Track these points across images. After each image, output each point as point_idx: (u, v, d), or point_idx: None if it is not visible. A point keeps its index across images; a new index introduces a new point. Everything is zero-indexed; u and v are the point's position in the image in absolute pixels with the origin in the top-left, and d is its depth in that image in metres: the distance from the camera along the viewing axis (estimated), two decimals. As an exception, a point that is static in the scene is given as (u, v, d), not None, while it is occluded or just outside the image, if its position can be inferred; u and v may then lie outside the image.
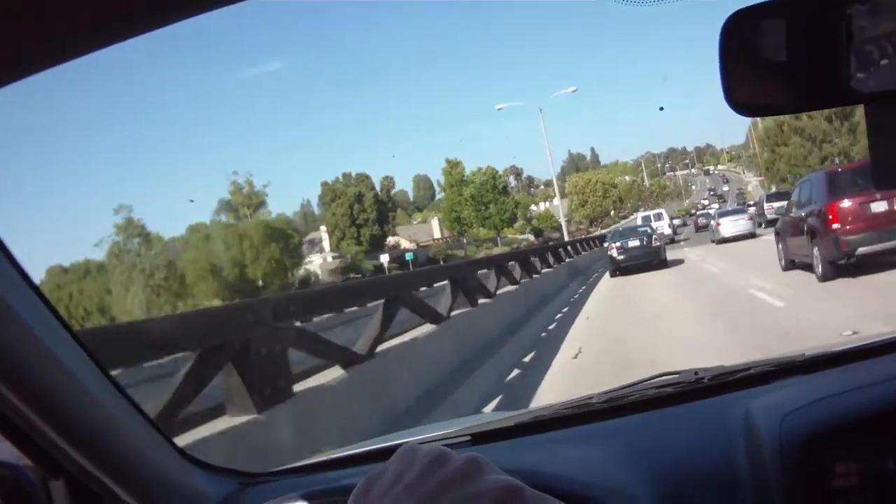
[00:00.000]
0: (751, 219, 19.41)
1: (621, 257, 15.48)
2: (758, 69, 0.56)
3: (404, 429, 1.54)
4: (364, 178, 53.07)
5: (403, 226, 65.08)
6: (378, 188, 54.74)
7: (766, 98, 0.57)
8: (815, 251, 7.37)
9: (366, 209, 50.78)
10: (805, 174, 13.82)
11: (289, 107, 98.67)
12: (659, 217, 28.10)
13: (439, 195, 61.83)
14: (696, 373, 1.00)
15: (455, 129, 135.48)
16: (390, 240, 56.97)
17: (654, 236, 15.88)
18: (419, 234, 61.96)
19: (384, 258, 41.55)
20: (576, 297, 11.55)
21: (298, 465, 1.09)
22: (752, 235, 19.10)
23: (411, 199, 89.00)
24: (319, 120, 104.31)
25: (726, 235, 19.11)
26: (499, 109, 31.27)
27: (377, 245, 49.15)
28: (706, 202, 64.49)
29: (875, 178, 0.57)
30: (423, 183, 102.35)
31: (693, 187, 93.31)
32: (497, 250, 32.54)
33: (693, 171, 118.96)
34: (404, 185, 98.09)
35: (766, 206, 20.31)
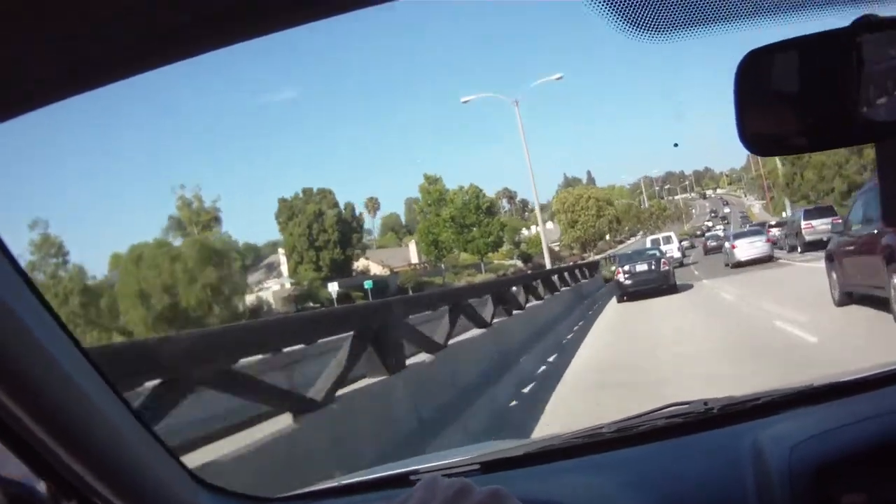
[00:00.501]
0: (769, 241, 19.73)
1: (629, 282, 16.12)
2: (773, 108, 0.62)
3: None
4: (326, 195, 50.88)
5: (380, 249, 63.75)
6: (361, 208, 53.18)
7: (782, 136, 0.62)
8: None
9: (326, 230, 48.44)
10: (841, 185, 12.69)
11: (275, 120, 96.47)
12: (668, 240, 28.90)
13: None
14: (705, 403, 1.10)
15: (456, 150, 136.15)
16: (358, 265, 54.49)
17: (662, 260, 16.71)
18: (394, 258, 59.80)
19: (332, 287, 39.17)
20: (565, 341, 9.91)
21: (309, 491, 1.17)
22: (769, 259, 19.02)
23: (403, 222, 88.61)
24: (303, 134, 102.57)
25: (742, 259, 19.14)
26: (464, 102, 27.66)
27: (341, 270, 47.46)
28: (710, 223, 67.46)
29: (885, 214, 0.63)
30: (415, 205, 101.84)
31: (693, 210, 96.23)
32: (480, 277, 30.79)
33: (692, 194, 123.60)
34: (397, 208, 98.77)
35: (803, 224, 18.88)
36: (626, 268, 16.37)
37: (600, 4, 0.56)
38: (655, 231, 52.46)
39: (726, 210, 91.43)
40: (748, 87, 0.62)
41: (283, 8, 0.58)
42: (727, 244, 21.56)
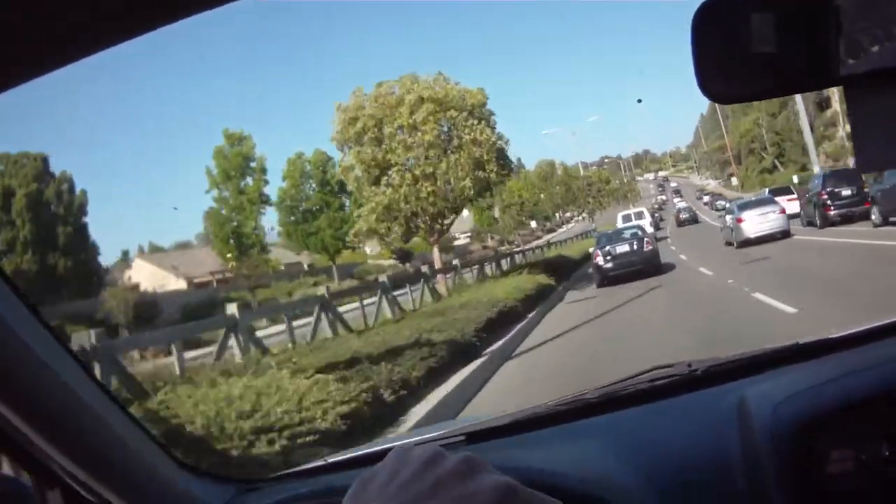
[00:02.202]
0: (782, 212, 20.28)
1: (609, 265, 18.31)
2: (733, 55, 0.76)
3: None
4: (35, 159, 39.07)
5: (185, 250, 54.74)
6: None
7: (743, 84, 0.77)
8: None
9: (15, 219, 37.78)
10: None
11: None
12: (640, 215, 32.88)
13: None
14: (689, 365, 1.39)
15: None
16: (128, 275, 42.90)
17: (646, 239, 18.96)
18: (200, 263, 47.72)
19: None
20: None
21: (295, 471, 1.47)
22: (785, 234, 19.61)
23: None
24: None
25: (752, 235, 19.62)
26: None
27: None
28: (663, 198, 79.21)
29: (858, 161, 0.78)
30: (208, 178, 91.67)
31: (640, 189, 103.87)
32: (332, 286, 21.16)
33: (640, 178, 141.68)
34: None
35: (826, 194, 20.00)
36: (606, 248, 18.38)
37: None
38: (593, 212, 58.20)
39: (673, 185, 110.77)
40: (706, 32, 0.76)
41: None
42: (729, 217, 22.16)
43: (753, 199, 23.61)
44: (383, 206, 19.33)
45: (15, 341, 0.95)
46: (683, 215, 43.11)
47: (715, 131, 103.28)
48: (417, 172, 19.16)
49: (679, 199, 67.25)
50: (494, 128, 20.39)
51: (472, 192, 19.70)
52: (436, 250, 21.65)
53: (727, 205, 28.62)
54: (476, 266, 22.16)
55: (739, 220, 20.08)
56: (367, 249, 52.66)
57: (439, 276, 18.02)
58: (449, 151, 19.30)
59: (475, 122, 19.40)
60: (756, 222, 19.55)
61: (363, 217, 20.14)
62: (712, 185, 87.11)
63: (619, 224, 29.67)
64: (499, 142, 20.27)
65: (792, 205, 22.85)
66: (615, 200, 61.07)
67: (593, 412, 1.33)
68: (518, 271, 20.04)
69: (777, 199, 22.00)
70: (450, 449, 0.63)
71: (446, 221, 20.80)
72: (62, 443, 1.01)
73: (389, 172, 19.42)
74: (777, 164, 60.43)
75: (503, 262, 24.41)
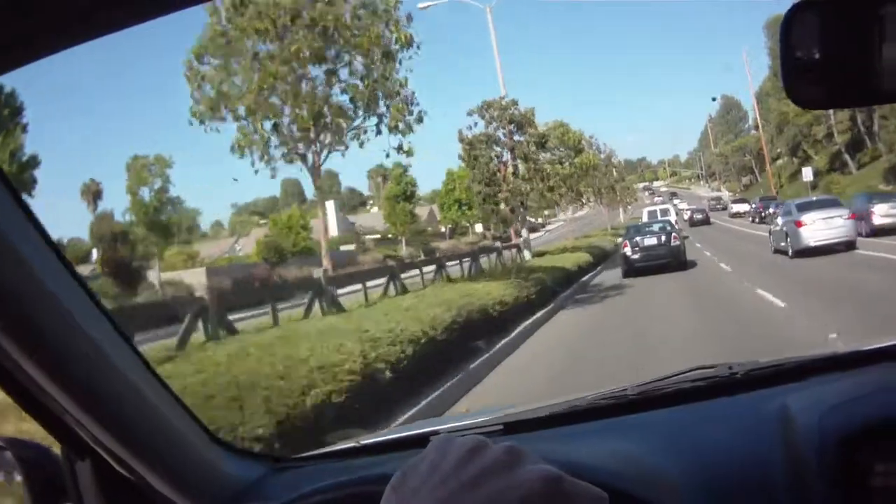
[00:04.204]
0: (852, 216, 17.47)
1: (636, 256, 19.21)
2: (822, 61, 0.76)
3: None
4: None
5: None
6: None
7: (832, 91, 0.78)
8: None
9: None
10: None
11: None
12: (665, 213, 32.24)
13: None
14: (730, 367, 1.40)
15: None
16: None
17: (673, 234, 19.57)
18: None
19: None
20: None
21: (328, 451, 1.47)
22: (850, 246, 16.91)
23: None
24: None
25: (812, 243, 16.73)
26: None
27: None
28: (660, 199, 77.89)
29: None
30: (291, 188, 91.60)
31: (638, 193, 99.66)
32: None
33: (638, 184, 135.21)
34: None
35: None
36: (635, 240, 19.40)
37: None
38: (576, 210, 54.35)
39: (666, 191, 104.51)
40: (795, 39, 0.76)
41: None
42: (782, 220, 18.85)
43: (815, 199, 20.37)
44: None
45: (53, 305, 0.93)
46: (697, 216, 44.68)
47: (727, 135, 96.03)
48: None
49: (678, 200, 67.50)
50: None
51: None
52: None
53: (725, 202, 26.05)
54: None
55: (798, 224, 16.95)
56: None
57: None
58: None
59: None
60: (818, 227, 16.57)
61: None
62: (726, 196, 75.37)
63: (644, 219, 30.16)
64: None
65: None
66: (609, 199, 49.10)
67: (633, 409, 1.34)
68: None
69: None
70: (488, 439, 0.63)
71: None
72: (95, 412, 1.00)
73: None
74: (849, 158, 46.64)
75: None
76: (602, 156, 38.79)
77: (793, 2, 0.76)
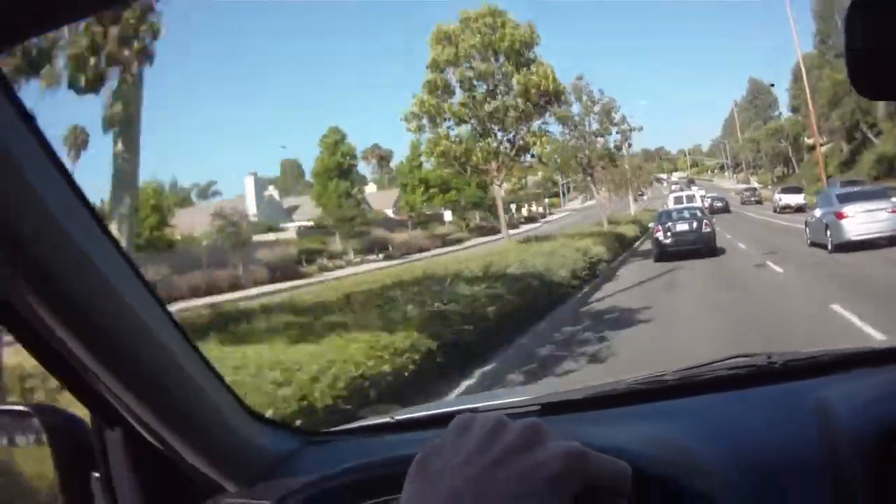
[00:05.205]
0: (894, 210, 16.12)
1: (668, 241, 20.13)
2: (888, 50, 0.76)
3: None
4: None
5: None
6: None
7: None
8: None
9: None
10: None
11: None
12: (691, 199, 33.63)
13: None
14: (768, 356, 1.42)
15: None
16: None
17: (705, 221, 20.62)
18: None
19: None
20: None
21: (361, 426, 1.50)
22: (893, 241, 15.44)
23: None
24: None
25: (855, 237, 15.60)
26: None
27: None
28: (676, 187, 77.36)
29: None
30: (291, 170, 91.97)
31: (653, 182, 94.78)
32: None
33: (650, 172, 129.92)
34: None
35: None
36: (667, 225, 20.24)
37: None
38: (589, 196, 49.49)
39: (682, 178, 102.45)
40: (860, 27, 0.75)
41: None
42: (821, 211, 17.45)
43: (858, 189, 19.00)
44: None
45: (90, 270, 0.91)
46: (717, 203, 45.46)
47: (755, 121, 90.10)
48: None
49: (695, 187, 68.39)
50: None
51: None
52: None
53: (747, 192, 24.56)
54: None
55: (840, 216, 15.72)
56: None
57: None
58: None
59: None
60: (862, 220, 15.44)
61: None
62: (755, 182, 70.29)
63: (671, 205, 31.00)
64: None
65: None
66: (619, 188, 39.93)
67: (672, 394, 1.35)
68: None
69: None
70: (520, 419, 0.63)
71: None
72: (129, 381, 0.99)
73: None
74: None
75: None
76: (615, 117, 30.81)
77: None
